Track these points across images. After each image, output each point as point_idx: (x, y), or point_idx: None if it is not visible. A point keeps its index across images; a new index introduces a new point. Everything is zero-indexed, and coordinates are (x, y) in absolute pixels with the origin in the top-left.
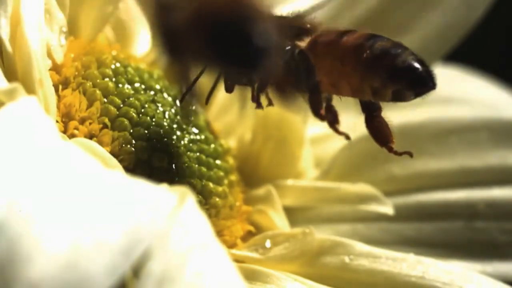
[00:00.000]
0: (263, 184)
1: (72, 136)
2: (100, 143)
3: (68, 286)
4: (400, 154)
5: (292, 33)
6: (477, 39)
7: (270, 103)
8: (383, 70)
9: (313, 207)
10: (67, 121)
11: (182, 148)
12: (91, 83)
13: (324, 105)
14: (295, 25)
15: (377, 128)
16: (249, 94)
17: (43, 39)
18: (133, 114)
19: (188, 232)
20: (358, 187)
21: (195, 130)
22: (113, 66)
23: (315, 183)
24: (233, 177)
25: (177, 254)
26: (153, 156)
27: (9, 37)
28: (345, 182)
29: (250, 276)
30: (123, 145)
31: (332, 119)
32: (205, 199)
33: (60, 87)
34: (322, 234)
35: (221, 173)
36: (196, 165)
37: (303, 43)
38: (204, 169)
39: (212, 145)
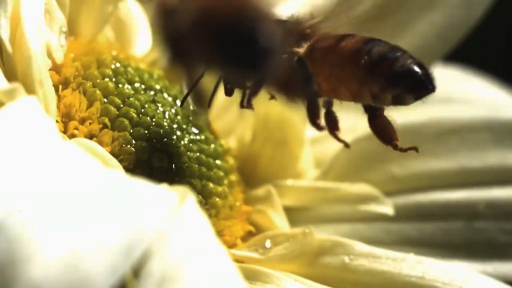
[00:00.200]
0: (263, 184)
1: (72, 136)
2: (100, 143)
3: (68, 286)
4: (406, 150)
5: (291, 39)
6: (477, 39)
7: (272, 97)
8: (382, 75)
9: (313, 207)
10: (67, 121)
11: (182, 148)
12: (91, 83)
13: (324, 110)
14: (294, 31)
15: (381, 127)
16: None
17: (43, 39)
18: (133, 114)
19: (188, 232)
20: (358, 187)
21: (195, 130)
22: (113, 66)
23: (315, 183)
24: (233, 177)
25: (177, 254)
26: (153, 156)
27: (9, 37)
28: (345, 182)
29: (250, 276)
30: (123, 145)
31: (332, 126)
32: (205, 199)
33: (60, 87)
34: (322, 234)
35: (221, 173)
36: (196, 165)
37: (301, 49)
38: (204, 169)
39: (212, 145)
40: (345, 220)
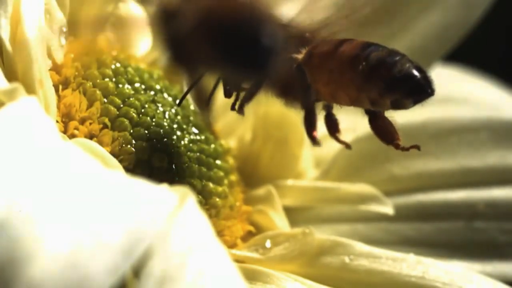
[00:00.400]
0: (263, 184)
1: (72, 136)
2: (100, 143)
3: (69, 285)
4: (407, 149)
5: (291, 43)
6: (477, 39)
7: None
8: (380, 81)
9: (313, 207)
10: (67, 121)
11: (182, 148)
12: (91, 83)
13: (324, 113)
14: (294, 35)
15: (382, 128)
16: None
17: (43, 39)
18: (133, 114)
19: (189, 232)
20: (358, 187)
21: (195, 130)
22: (113, 66)
23: (315, 183)
24: (233, 177)
25: (178, 254)
26: (153, 156)
27: (9, 37)
28: (345, 182)
29: (250, 276)
30: (123, 145)
31: (332, 128)
32: (205, 199)
33: (60, 87)
34: (322, 234)
35: (221, 173)
36: (196, 165)
37: (300, 55)
38: (204, 169)
39: (212, 145)
40: (345, 220)
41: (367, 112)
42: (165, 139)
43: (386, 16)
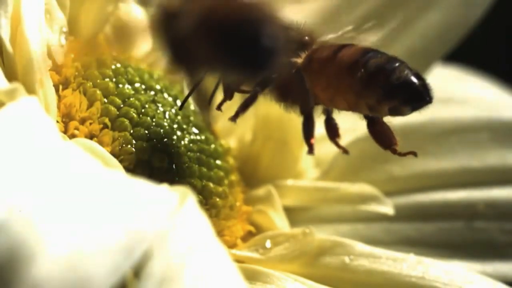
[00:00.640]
0: (263, 184)
1: (72, 136)
2: (101, 143)
3: (69, 286)
4: (405, 154)
5: (291, 46)
6: (477, 39)
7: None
8: (378, 88)
9: (313, 207)
10: (67, 121)
11: (182, 148)
12: (91, 83)
13: (324, 117)
14: (294, 38)
15: (380, 133)
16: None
17: (44, 39)
18: (134, 114)
19: (189, 232)
20: (358, 187)
21: (195, 130)
22: (113, 67)
23: (315, 183)
24: (233, 177)
25: (178, 254)
26: (154, 156)
27: (10, 37)
28: (345, 182)
29: (250, 276)
30: (124, 145)
31: (332, 132)
32: (205, 199)
33: (61, 87)
34: (322, 234)
35: (222, 173)
36: (197, 165)
37: (299, 60)
38: (204, 169)
39: (213, 145)
40: (345, 220)
41: (366, 117)
42: (165, 139)
43: (385, 16)
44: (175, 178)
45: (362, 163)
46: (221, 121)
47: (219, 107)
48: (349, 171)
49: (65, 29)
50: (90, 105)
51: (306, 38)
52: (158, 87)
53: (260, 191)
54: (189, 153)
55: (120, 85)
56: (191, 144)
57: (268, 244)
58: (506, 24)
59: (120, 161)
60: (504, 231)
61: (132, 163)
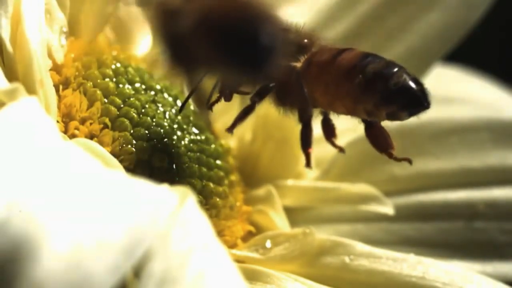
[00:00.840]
0: (263, 184)
1: (72, 136)
2: (101, 143)
3: (69, 285)
4: (400, 160)
5: (290, 49)
6: (477, 39)
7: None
8: (376, 94)
9: (313, 207)
10: (67, 121)
11: (182, 148)
12: (91, 83)
13: (321, 117)
14: (293, 40)
15: (377, 136)
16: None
17: (44, 39)
18: (134, 114)
19: (189, 232)
20: (358, 187)
21: (195, 130)
22: (113, 66)
23: (315, 183)
24: (234, 177)
25: (178, 254)
26: (154, 156)
27: (10, 37)
28: (345, 182)
29: (250, 276)
30: (124, 145)
31: (328, 133)
32: (205, 199)
33: (61, 87)
34: (322, 234)
35: (222, 173)
36: (197, 165)
37: (299, 64)
38: (204, 169)
39: (213, 145)
40: (345, 220)
41: (363, 120)
42: (166, 139)
43: (385, 16)
44: (175, 178)
45: (362, 163)
46: (221, 121)
47: (211, 107)
48: (349, 171)
49: (65, 29)
50: (91, 105)
51: (305, 40)
52: (158, 87)
53: (260, 191)
54: (189, 153)
55: (121, 85)
56: (191, 144)
57: (268, 244)
58: (506, 24)
59: (120, 161)
60: (504, 231)
61: (132, 163)
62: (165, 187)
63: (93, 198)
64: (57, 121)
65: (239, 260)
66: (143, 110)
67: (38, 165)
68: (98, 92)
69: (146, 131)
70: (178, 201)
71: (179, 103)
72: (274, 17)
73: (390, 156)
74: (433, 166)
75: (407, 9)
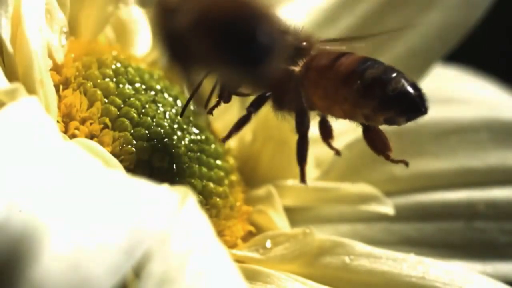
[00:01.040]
0: (263, 184)
1: (72, 136)
2: (101, 143)
3: (69, 286)
4: (397, 162)
5: (288, 54)
6: (477, 39)
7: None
8: (374, 99)
9: (314, 207)
10: (67, 121)
11: (182, 148)
12: (91, 83)
13: (319, 119)
14: (291, 43)
15: (374, 139)
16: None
17: (44, 39)
18: (134, 114)
19: (189, 233)
20: (359, 187)
21: (195, 130)
22: (113, 67)
23: (315, 183)
24: (234, 177)
25: (178, 254)
26: (154, 156)
27: (10, 37)
28: (345, 182)
29: (250, 276)
30: (124, 145)
31: (325, 134)
32: (205, 199)
33: (61, 87)
34: (322, 234)
35: (222, 173)
36: (197, 165)
37: (297, 68)
38: (204, 169)
39: (213, 145)
40: (345, 220)
41: (361, 123)
42: (166, 139)
43: (386, 16)
44: (175, 178)
45: (362, 163)
46: (221, 121)
47: (211, 111)
48: (349, 171)
49: (65, 29)
50: (91, 105)
51: (304, 43)
52: (158, 87)
53: (260, 191)
54: (189, 153)
55: (121, 85)
56: (191, 144)
57: (268, 244)
58: (506, 24)
59: (121, 161)
60: (504, 231)
61: (133, 163)
62: (165, 187)
63: (93, 198)
64: (57, 121)
65: (239, 260)
66: (143, 110)
67: (38, 165)
68: (98, 92)
69: (146, 131)
70: (178, 201)
71: (179, 103)
72: (272, 16)
73: (388, 158)
74: (433, 166)
75: (408, 9)
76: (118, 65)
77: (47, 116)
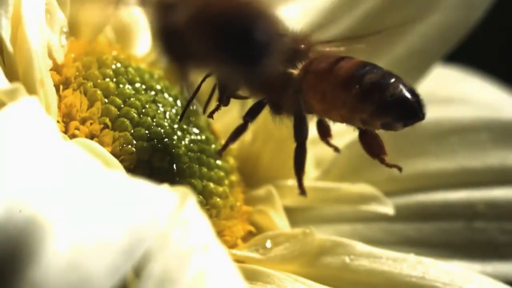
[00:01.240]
0: (263, 184)
1: (73, 136)
2: (101, 143)
3: (69, 286)
4: (391, 166)
5: (286, 57)
6: (477, 39)
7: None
8: (372, 104)
9: (314, 207)
10: (68, 121)
11: (183, 148)
12: (92, 83)
13: (317, 118)
14: (289, 45)
15: (370, 142)
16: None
17: (44, 39)
18: (134, 114)
19: (189, 233)
20: (359, 187)
21: (195, 130)
22: (113, 67)
23: (315, 183)
24: (234, 177)
25: (178, 254)
26: (154, 156)
27: (10, 37)
28: (345, 182)
29: (250, 276)
30: (124, 145)
31: (323, 133)
32: (205, 199)
33: (61, 87)
34: (322, 234)
35: (222, 174)
36: (197, 166)
37: (296, 71)
38: (204, 169)
39: (213, 146)
40: (345, 220)
41: (358, 127)
42: (166, 139)
43: (386, 16)
44: (175, 178)
45: (362, 163)
46: (221, 121)
47: (211, 115)
48: (349, 171)
49: (65, 29)
50: (91, 105)
51: (302, 46)
52: (158, 87)
53: (261, 191)
54: (189, 153)
55: (121, 85)
56: (191, 144)
57: (268, 244)
58: (506, 24)
59: (121, 161)
60: (504, 231)
61: (133, 163)
62: (165, 187)
63: (93, 198)
64: (58, 121)
65: (239, 260)
66: (143, 110)
67: (38, 165)
68: (99, 92)
69: (147, 131)
70: (178, 201)
71: (179, 103)
72: (270, 16)
73: (382, 161)
74: (433, 166)
75: (408, 9)
76: (118, 65)
77: (47, 116)
